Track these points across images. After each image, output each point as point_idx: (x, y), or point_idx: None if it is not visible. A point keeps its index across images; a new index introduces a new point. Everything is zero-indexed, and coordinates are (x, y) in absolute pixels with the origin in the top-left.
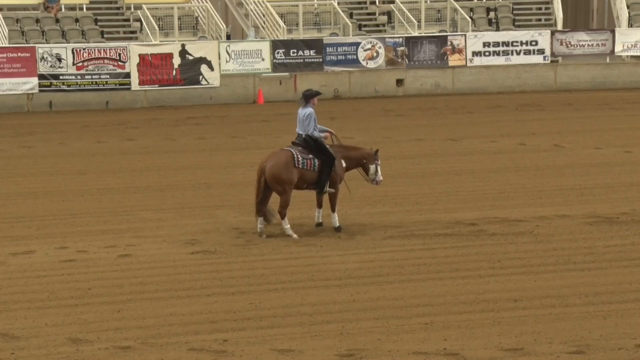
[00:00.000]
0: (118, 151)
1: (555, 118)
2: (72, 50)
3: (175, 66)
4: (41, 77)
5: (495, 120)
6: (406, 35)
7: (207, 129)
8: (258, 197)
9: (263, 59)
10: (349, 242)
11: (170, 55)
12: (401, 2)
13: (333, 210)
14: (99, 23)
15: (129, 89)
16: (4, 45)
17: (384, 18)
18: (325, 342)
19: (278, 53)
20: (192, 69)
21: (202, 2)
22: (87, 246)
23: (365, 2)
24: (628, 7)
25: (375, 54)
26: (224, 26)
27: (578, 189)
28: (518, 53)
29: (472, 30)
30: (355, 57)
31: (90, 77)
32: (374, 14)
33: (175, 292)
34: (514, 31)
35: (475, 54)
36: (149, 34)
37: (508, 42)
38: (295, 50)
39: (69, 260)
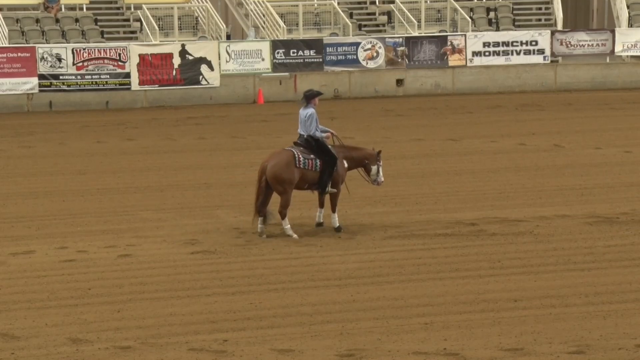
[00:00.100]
0: (118, 151)
1: (555, 118)
2: (72, 50)
3: (175, 66)
4: (41, 77)
5: (495, 120)
6: (406, 35)
7: (207, 129)
8: (259, 197)
9: (263, 59)
10: (349, 242)
11: (170, 55)
12: (401, 2)
13: (333, 211)
14: (99, 23)
15: (129, 89)
16: (4, 45)
17: (384, 18)
18: (325, 342)
19: (278, 53)
20: (192, 69)
21: (202, 2)
22: (87, 246)
23: (365, 2)
24: (628, 7)
25: (375, 54)
26: (224, 26)
27: (578, 189)
28: (518, 53)
29: (472, 30)
30: (355, 57)
31: (90, 77)
32: (374, 14)
33: (175, 292)
34: (514, 31)
35: (475, 54)
36: (149, 34)
37: (508, 42)
38: (295, 50)
39: (69, 260)
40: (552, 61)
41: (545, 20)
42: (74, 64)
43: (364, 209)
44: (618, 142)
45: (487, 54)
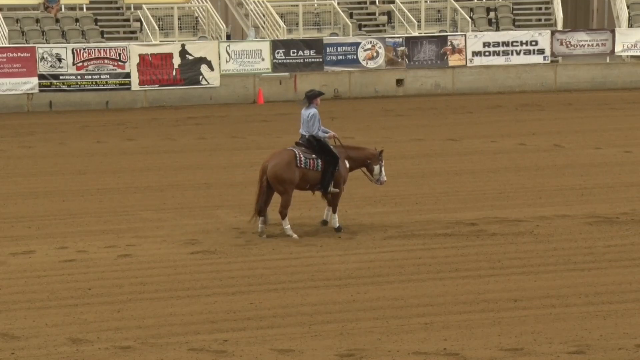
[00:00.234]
0: (118, 151)
1: (555, 118)
2: (72, 50)
3: (175, 66)
4: (41, 77)
5: (495, 120)
6: (406, 35)
7: (207, 129)
8: (260, 197)
9: (263, 59)
10: (349, 242)
11: (170, 55)
12: (401, 2)
13: (334, 211)
14: (99, 23)
15: (129, 89)
16: (4, 45)
17: (384, 18)
18: (325, 342)
19: (278, 53)
20: (192, 69)
21: (202, 2)
22: (87, 246)
23: (365, 2)
24: (628, 7)
25: (375, 54)
26: (224, 26)
27: (578, 189)
28: (518, 53)
29: (472, 30)
30: (355, 57)
31: (90, 77)
32: (374, 14)
33: (175, 292)
34: (514, 31)
35: (475, 54)
36: (149, 34)
37: (508, 42)
38: (295, 50)
39: (69, 260)
40: (552, 61)
41: (545, 20)
42: (74, 64)
43: (364, 209)
44: (618, 142)
45: (487, 54)
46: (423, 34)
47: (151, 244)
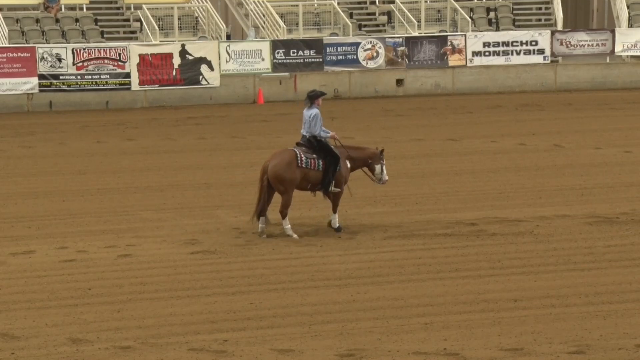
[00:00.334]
0: (118, 151)
1: (555, 118)
2: (72, 50)
3: (175, 66)
4: (41, 77)
5: (495, 120)
6: (406, 35)
7: (207, 129)
8: (261, 196)
9: (263, 59)
10: (349, 242)
11: (170, 55)
12: (401, 2)
13: (334, 211)
14: (99, 23)
15: (129, 89)
16: (4, 45)
17: (384, 18)
18: (325, 342)
19: (278, 53)
20: (192, 69)
21: (202, 2)
22: (87, 246)
23: (365, 2)
24: (628, 7)
25: (375, 54)
26: (224, 26)
27: (578, 189)
28: (518, 53)
29: (472, 30)
30: (355, 57)
31: (90, 77)
32: (374, 14)
33: (175, 292)
34: (514, 31)
35: (475, 54)
36: (149, 34)
37: (508, 42)
38: (295, 50)
39: (69, 260)
40: (552, 61)
41: (545, 20)
42: (74, 64)
43: (364, 209)
44: (618, 142)
45: (487, 54)
46: (423, 34)
47: (151, 244)
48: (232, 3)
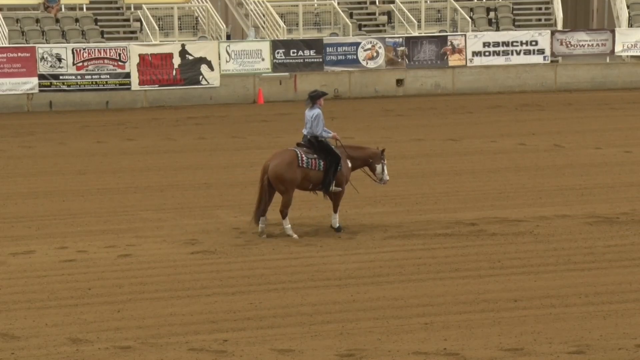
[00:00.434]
0: (118, 151)
1: (555, 118)
2: (72, 50)
3: (175, 66)
4: (41, 77)
5: (495, 120)
6: (406, 35)
7: (207, 129)
8: (261, 196)
9: (263, 59)
10: (349, 242)
11: (170, 55)
12: (401, 2)
13: (335, 211)
14: (99, 23)
15: (129, 89)
16: (4, 45)
17: (384, 18)
18: (325, 342)
19: (278, 53)
20: (192, 69)
21: (202, 2)
22: (87, 246)
23: (365, 2)
24: (628, 7)
25: (375, 54)
26: (224, 26)
27: (578, 189)
28: (518, 53)
29: (472, 30)
30: (355, 57)
31: (90, 77)
32: (374, 14)
33: (175, 292)
34: (514, 31)
35: (475, 54)
36: (149, 34)
37: (508, 42)
38: (295, 50)
39: (69, 260)
40: (552, 61)
41: (545, 20)
42: (74, 64)
43: (364, 209)
44: (618, 142)
45: (487, 54)
46: (423, 34)
47: (151, 244)
48: (232, 3)
